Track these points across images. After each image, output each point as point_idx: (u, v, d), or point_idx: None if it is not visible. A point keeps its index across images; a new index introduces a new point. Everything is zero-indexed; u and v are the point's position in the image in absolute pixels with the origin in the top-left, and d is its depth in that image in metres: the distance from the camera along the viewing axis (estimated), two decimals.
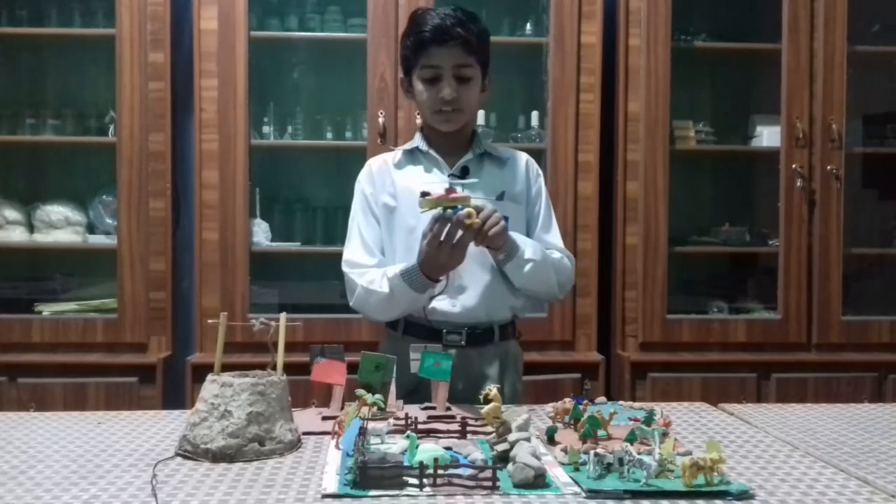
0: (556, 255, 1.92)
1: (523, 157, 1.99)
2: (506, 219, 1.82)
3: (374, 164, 1.96)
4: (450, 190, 1.67)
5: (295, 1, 3.14)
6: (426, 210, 1.67)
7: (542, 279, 1.87)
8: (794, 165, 3.03)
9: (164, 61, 2.90)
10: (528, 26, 3.16)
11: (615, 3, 3.04)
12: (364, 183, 1.94)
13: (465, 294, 1.86)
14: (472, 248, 1.74)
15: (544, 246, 1.91)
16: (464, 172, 1.88)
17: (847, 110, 3.03)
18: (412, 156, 1.94)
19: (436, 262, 1.70)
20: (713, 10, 3.28)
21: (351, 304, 1.90)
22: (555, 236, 1.97)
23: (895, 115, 3.23)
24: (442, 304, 1.85)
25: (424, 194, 1.68)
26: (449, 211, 1.65)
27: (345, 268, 1.91)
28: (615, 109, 3.06)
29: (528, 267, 1.82)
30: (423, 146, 1.92)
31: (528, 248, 1.83)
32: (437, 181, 1.84)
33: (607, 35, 3.05)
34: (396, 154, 1.96)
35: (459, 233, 1.65)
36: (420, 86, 1.85)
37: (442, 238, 1.66)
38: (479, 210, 1.70)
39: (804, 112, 3.03)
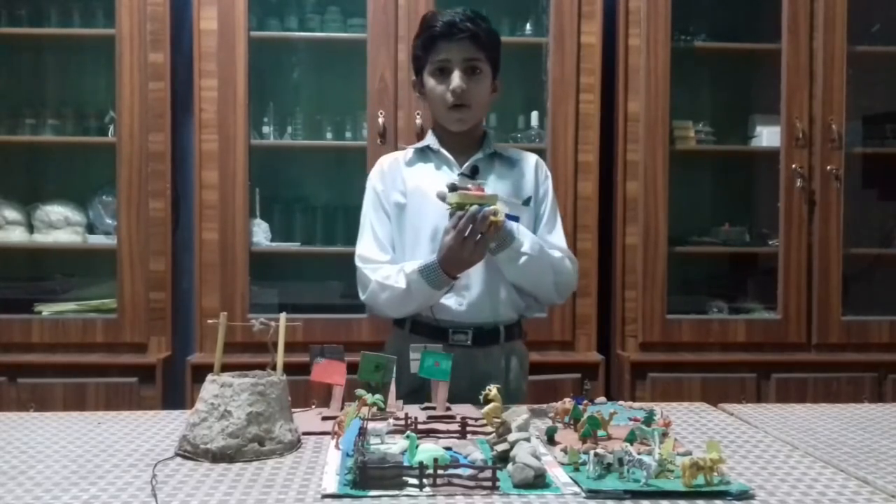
0: (557, 254, 1.90)
1: (533, 158, 2.00)
2: (514, 220, 1.82)
3: (385, 162, 1.98)
4: (478, 187, 1.68)
5: (295, 1, 3.14)
6: (453, 204, 1.67)
7: (537, 275, 1.86)
8: (793, 165, 3.03)
9: (164, 61, 2.90)
10: (528, 26, 3.16)
11: (615, 3, 3.05)
12: (375, 180, 1.96)
13: (471, 292, 1.86)
14: None
15: (547, 245, 1.90)
16: (473, 172, 1.88)
17: (847, 110, 3.03)
18: (423, 154, 1.95)
19: (458, 258, 1.71)
20: (713, 10, 3.28)
21: (363, 298, 1.91)
22: (558, 237, 1.96)
23: (895, 115, 3.23)
24: (448, 302, 1.85)
25: (452, 188, 1.69)
26: (475, 207, 1.65)
27: (358, 262, 1.91)
28: (615, 109, 3.06)
29: (522, 260, 1.81)
30: (435, 144, 1.93)
31: (525, 240, 1.82)
32: (446, 180, 1.83)
33: (607, 35, 3.05)
34: (408, 152, 1.97)
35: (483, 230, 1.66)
36: (431, 81, 1.87)
37: (466, 234, 1.67)
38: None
39: (804, 112, 3.04)
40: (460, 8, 1.86)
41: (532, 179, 1.96)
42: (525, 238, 1.82)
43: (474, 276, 1.84)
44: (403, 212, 1.91)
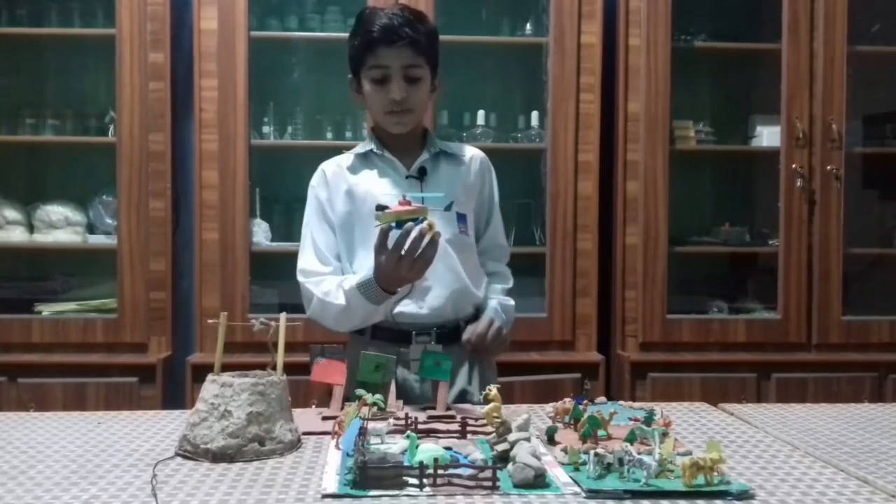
0: (506, 294, 1.99)
1: (478, 155, 1.99)
2: (464, 218, 1.87)
3: (327, 169, 1.92)
4: (404, 202, 1.63)
5: (295, 1, 3.15)
6: (385, 224, 1.63)
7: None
8: (793, 165, 3.03)
9: (164, 61, 2.90)
10: (528, 26, 3.16)
11: (615, 3, 3.05)
12: (318, 188, 1.91)
13: (430, 294, 1.84)
14: (438, 247, 1.71)
15: (493, 246, 1.99)
16: (421, 173, 1.87)
17: (847, 110, 3.03)
18: (366, 159, 1.91)
19: (395, 276, 1.67)
20: (713, 11, 3.28)
21: (307, 314, 1.87)
22: (503, 237, 2.04)
23: (895, 115, 3.23)
24: (408, 307, 1.83)
25: (381, 208, 1.65)
26: (409, 224, 1.61)
27: (300, 277, 1.89)
28: (615, 109, 3.06)
29: (508, 338, 1.90)
30: (377, 149, 1.90)
31: (507, 320, 1.92)
32: (392, 190, 1.83)
33: (607, 35, 3.05)
34: (349, 157, 1.93)
35: (423, 245, 1.62)
36: (369, 86, 1.83)
37: (403, 252, 1.62)
38: (481, 323, 1.81)
39: (804, 112, 3.04)
40: (399, 7, 1.82)
41: (476, 174, 1.95)
42: (499, 317, 1.89)
43: (433, 277, 1.80)
44: (350, 219, 1.87)
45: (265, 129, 3.11)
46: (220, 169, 2.93)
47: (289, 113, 3.16)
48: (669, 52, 3.00)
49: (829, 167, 3.03)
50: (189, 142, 3.03)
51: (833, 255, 3.04)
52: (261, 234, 3.07)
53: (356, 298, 1.75)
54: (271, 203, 3.18)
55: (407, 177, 1.87)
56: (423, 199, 1.68)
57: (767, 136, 3.13)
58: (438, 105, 3.03)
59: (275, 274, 3.18)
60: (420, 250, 1.62)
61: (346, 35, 3.02)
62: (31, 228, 3.08)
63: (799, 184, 3.02)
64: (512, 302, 1.98)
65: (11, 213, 3.05)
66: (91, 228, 3.11)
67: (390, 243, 1.63)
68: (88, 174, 3.18)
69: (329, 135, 3.14)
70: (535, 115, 3.14)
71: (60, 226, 3.05)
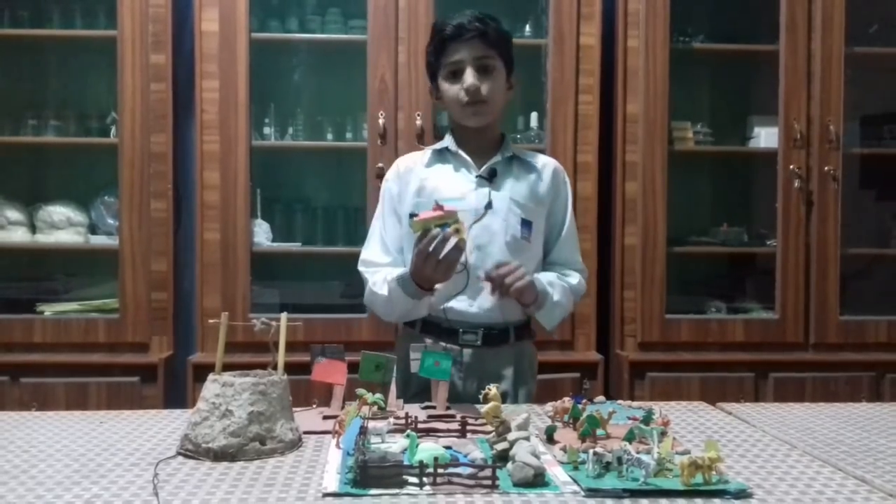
0: (574, 279, 1.96)
1: (552, 164, 2.01)
2: (528, 224, 1.87)
3: (402, 164, 1.98)
4: (437, 207, 1.69)
5: (295, 2, 3.15)
6: (418, 232, 1.69)
7: (566, 311, 1.94)
8: (791, 166, 3.04)
9: (166, 63, 2.91)
10: (528, 28, 3.16)
11: (614, 4, 3.05)
12: (391, 181, 1.96)
13: (482, 294, 1.87)
14: (493, 247, 1.81)
15: (565, 261, 1.96)
16: (491, 175, 1.89)
17: (844, 111, 3.04)
18: (441, 155, 1.95)
19: (423, 275, 1.73)
20: (711, 12, 3.29)
21: (367, 304, 1.96)
22: (576, 251, 2.01)
23: (893, 115, 3.24)
24: (460, 304, 1.86)
25: (413, 215, 1.72)
26: (437, 229, 1.67)
27: (360, 267, 1.94)
28: (614, 110, 3.06)
29: (557, 311, 1.89)
30: (453, 146, 1.93)
31: (555, 291, 1.87)
32: (465, 182, 1.88)
33: (606, 36, 3.06)
34: (426, 153, 1.97)
35: (446, 249, 1.66)
36: (445, 84, 1.88)
37: (427, 255, 1.68)
38: (500, 265, 1.77)
39: (802, 113, 3.04)
40: (469, 11, 1.86)
41: (549, 184, 1.96)
42: (554, 289, 1.87)
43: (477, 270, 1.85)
44: (417, 212, 1.89)
45: (266, 129, 3.12)
46: (221, 169, 2.93)
47: (290, 114, 3.16)
48: (668, 54, 3.00)
49: (826, 168, 3.04)
50: (190, 143, 3.04)
51: (831, 256, 3.05)
52: (262, 234, 3.07)
53: (396, 291, 1.80)
54: (272, 203, 3.19)
55: (477, 176, 1.89)
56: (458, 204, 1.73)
57: (765, 136, 3.14)
58: (438, 105, 3.03)
59: (276, 274, 3.20)
60: (443, 253, 1.66)
61: (346, 36, 3.11)
62: (33, 229, 3.09)
63: (797, 184, 3.03)
64: (574, 280, 1.96)
65: (14, 214, 3.06)
66: (93, 229, 3.11)
67: (416, 246, 1.69)
68: (90, 175, 3.18)
69: (330, 136, 3.15)
70: (534, 116, 3.14)
71: (62, 226, 3.06)
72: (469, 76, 1.83)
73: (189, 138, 3.05)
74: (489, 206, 1.86)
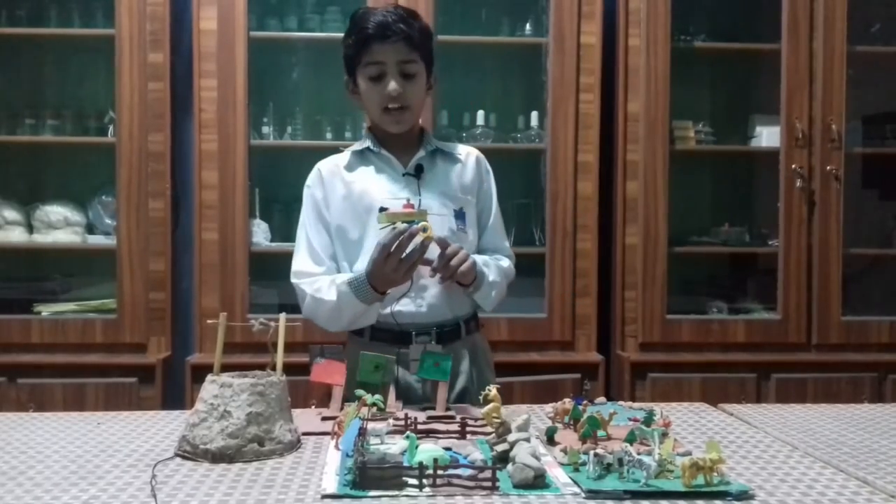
0: (505, 262, 1.95)
1: (474, 153, 1.99)
2: (462, 215, 1.86)
3: (323, 168, 1.93)
4: (407, 205, 1.68)
5: (294, 1, 3.14)
6: (384, 225, 1.67)
7: (503, 294, 1.94)
8: (793, 166, 3.03)
9: (164, 61, 2.90)
10: (528, 26, 3.16)
11: (615, 3, 3.05)
12: (314, 187, 1.91)
13: (428, 293, 1.84)
14: (432, 248, 1.74)
15: (494, 248, 1.96)
16: (418, 171, 1.87)
17: (846, 110, 3.03)
18: (363, 156, 1.92)
19: (382, 273, 1.70)
20: (713, 11, 3.28)
21: (303, 313, 1.88)
22: (504, 238, 2.02)
23: (895, 115, 3.23)
24: (407, 306, 1.84)
25: (382, 209, 1.70)
26: (403, 224, 1.65)
27: (293, 279, 1.89)
28: (615, 109, 3.06)
29: (493, 292, 1.88)
30: (374, 146, 1.90)
31: (490, 271, 1.86)
32: (390, 181, 1.85)
33: (607, 35, 3.05)
34: (346, 155, 1.93)
35: (411, 246, 1.65)
36: (364, 84, 1.84)
37: (391, 249, 1.66)
38: (444, 244, 1.72)
39: (804, 112, 3.04)
40: (391, 6, 1.84)
41: (473, 173, 1.95)
42: (488, 268, 1.86)
43: (429, 276, 1.82)
44: (346, 217, 1.87)
45: (265, 129, 3.11)
46: (219, 169, 2.93)
47: (288, 113, 3.15)
48: (669, 53, 3.00)
49: (828, 167, 3.03)
50: (188, 142, 3.03)
51: (833, 256, 3.04)
52: (260, 234, 3.06)
53: (347, 296, 1.76)
54: (271, 203, 3.18)
55: (404, 174, 1.87)
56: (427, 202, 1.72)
57: (767, 136, 3.13)
58: (438, 105, 3.02)
59: (274, 274, 3.18)
60: (408, 250, 1.64)
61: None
62: (30, 229, 3.08)
63: (798, 184, 3.02)
64: (505, 263, 1.95)
65: (11, 214, 3.05)
66: (90, 229, 3.10)
67: (380, 241, 1.66)
68: (88, 174, 3.18)
69: (328, 135, 3.14)
70: (534, 115, 3.13)
71: (60, 226, 3.05)
72: (392, 82, 1.80)
73: (187, 138, 3.04)
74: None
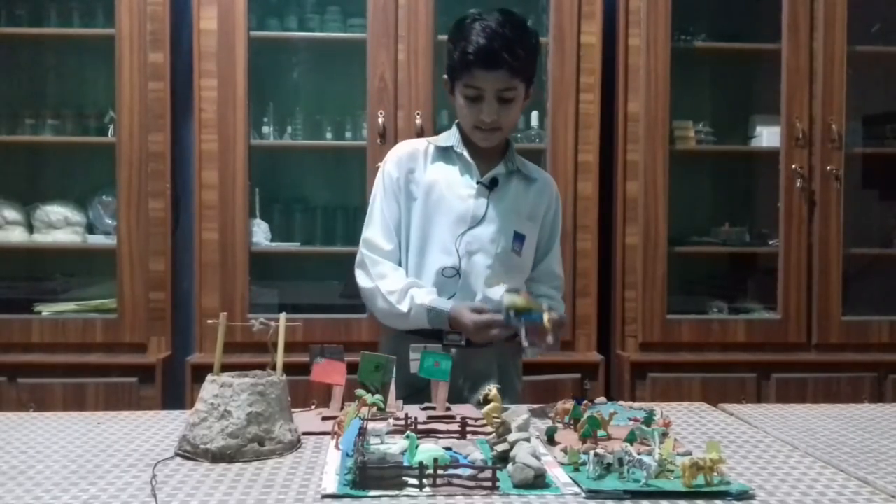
0: (561, 308, 1.95)
1: (551, 181, 2.01)
2: (521, 238, 1.89)
3: (404, 150, 1.94)
4: (526, 293, 1.75)
5: (294, 1, 3.14)
6: (507, 299, 1.71)
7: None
8: (793, 165, 3.03)
9: (164, 61, 2.90)
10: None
11: (615, 3, 3.04)
12: (391, 166, 1.92)
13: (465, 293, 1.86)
14: (482, 256, 1.82)
15: (549, 275, 1.97)
16: (492, 183, 1.88)
17: (847, 110, 3.03)
18: (446, 153, 1.92)
19: (469, 329, 1.76)
20: (713, 11, 3.28)
21: (359, 284, 1.90)
22: (560, 265, 2.02)
23: (895, 115, 3.23)
24: (443, 304, 1.85)
25: (514, 291, 1.74)
26: (522, 320, 1.69)
27: (363, 247, 1.90)
28: (615, 109, 3.05)
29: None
30: (459, 147, 1.91)
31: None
32: (466, 186, 1.87)
33: (607, 35, 3.05)
34: (430, 146, 1.93)
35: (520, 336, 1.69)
36: (461, 100, 1.84)
37: (495, 330, 1.73)
38: (556, 331, 1.73)
39: (804, 112, 3.04)
40: (499, 22, 1.76)
41: (546, 201, 1.97)
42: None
43: (477, 285, 1.86)
44: (414, 207, 1.88)
45: (265, 129, 3.11)
46: (219, 169, 2.92)
47: (288, 113, 3.15)
48: (669, 52, 2.99)
49: (828, 167, 3.03)
50: (189, 142, 3.03)
51: (833, 256, 3.04)
52: (260, 234, 3.06)
53: (420, 317, 1.80)
54: (271, 203, 3.18)
55: (478, 182, 1.88)
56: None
57: (767, 136, 3.13)
58: (438, 105, 3.02)
59: (274, 274, 3.19)
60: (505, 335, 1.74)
61: (345, 35, 3.09)
62: (30, 228, 3.08)
63: (799, 184, 3.02)
64: (562, 309, 1.95)
65: (11, 214, 3.05)
66: (91, 228, 3.10)
67: (497, 316, 1.73)
68: (88, 174, 3.17)
69: (329, 135, 3.14)
70: (534, 115, 3.13)
71: (60, 226, 3.05)
72: (487, 109, 1.80)
73: (187, 137, 3.04)
74: (485, 216, 1.87)
